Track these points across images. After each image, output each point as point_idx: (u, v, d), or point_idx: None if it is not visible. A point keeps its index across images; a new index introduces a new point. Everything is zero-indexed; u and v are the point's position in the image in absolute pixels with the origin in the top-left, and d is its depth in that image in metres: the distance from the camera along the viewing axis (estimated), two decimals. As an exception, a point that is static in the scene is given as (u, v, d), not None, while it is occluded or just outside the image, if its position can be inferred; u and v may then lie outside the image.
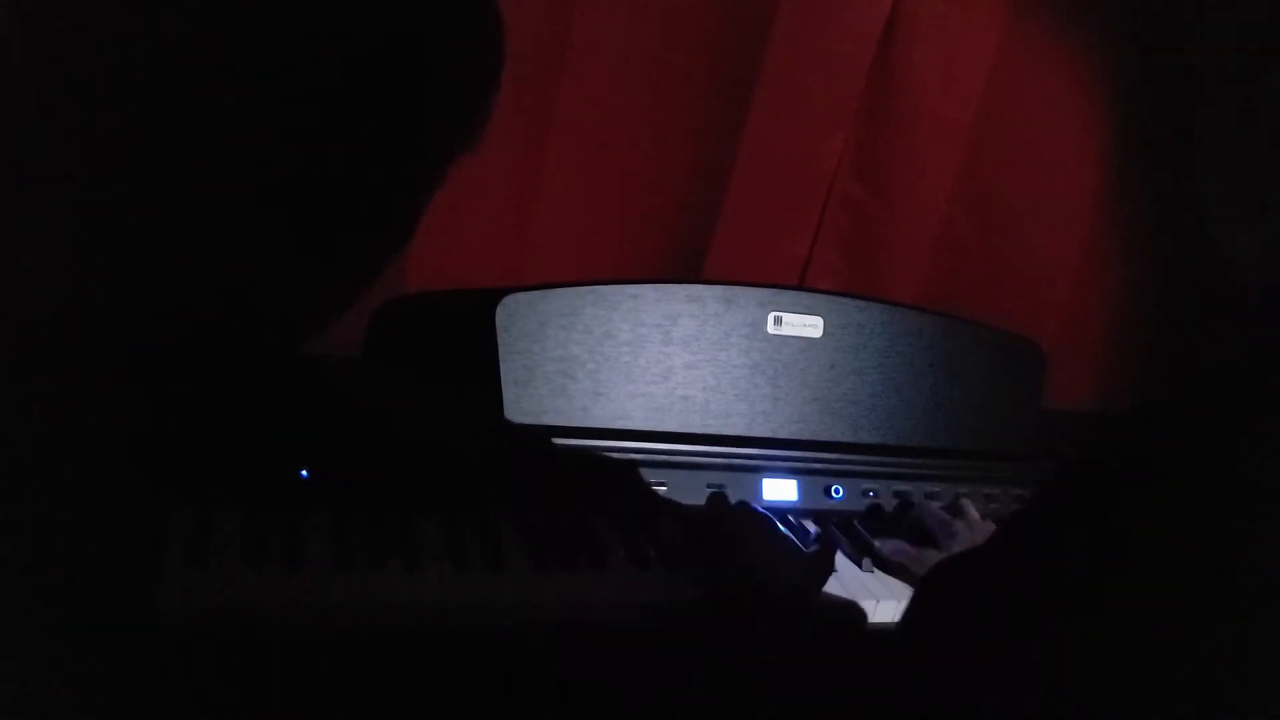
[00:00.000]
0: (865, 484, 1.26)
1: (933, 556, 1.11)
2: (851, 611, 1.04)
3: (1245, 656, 0.55)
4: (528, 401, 1.11)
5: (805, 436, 1.24)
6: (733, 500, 1.12)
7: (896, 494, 1.27)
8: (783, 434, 1.23)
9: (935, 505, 1.22)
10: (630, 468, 1.14)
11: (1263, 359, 0.59)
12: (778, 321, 1.21)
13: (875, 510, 1.24)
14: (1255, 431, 0.56)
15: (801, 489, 1.23)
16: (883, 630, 1.05)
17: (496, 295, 1.11)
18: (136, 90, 0.62)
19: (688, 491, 1.17)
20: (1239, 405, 0.58)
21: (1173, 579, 0.56)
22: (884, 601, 1.05)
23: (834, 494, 1.24)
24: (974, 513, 1.19)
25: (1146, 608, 0.56)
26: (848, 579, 1.09)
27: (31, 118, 0.62)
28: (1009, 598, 0.63)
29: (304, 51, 0.63)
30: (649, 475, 1.15)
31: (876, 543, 1.16)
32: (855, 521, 1.22)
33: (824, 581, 1.01)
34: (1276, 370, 0.58)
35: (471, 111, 0.72)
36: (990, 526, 1.17)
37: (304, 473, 1.00)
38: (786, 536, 1.02)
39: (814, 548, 1.03)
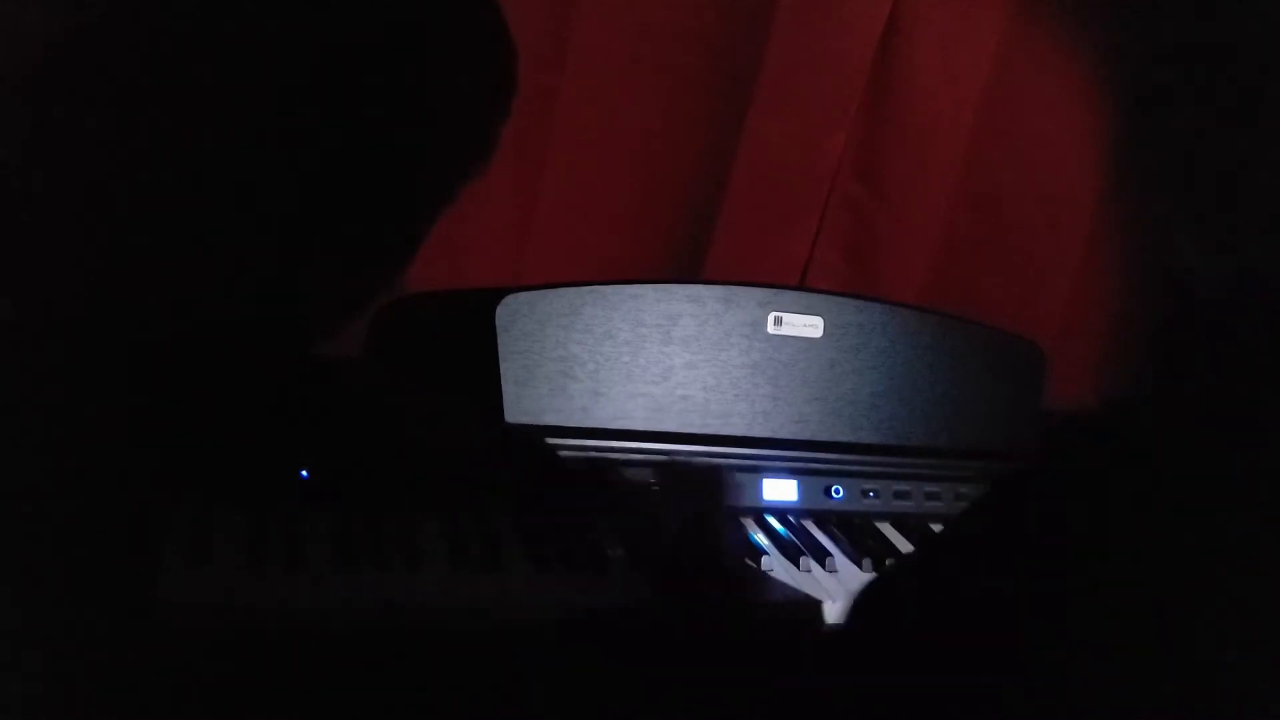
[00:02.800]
0: (865, 484, 1.26)
1: None
2: (807, 607, 1.04)
3: (1235, 657, 0.55)
4: (528, 401, 1.11)
5: (805, 436, 1.24)
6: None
7: (896, 494, 1.27)
8: (783, 434, 1.23)
9: None
10: (630, 468, 1.14)
11: (1221, 369, 0.60)
12: (778, 321, 1.21)
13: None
14: (1206, 439, 0.57)
15: (801, 489, 1.23)
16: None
17: (496, 295, 1.11)
18: (154, 99, 0.62)
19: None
20: (1180, 416, 0.59)
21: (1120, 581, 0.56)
22: None
23: (834, 494, 1.24)
24: None
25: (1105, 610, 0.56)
26: (848, 579, 1.09)
27: (46, 117, 0.62)
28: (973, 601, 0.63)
29: (317, 78, 0.64)
30: (649, 475, 1.15)
31: None
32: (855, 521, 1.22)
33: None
34: (1234, 382, 0.59)
35: (480, 140, 0.73)
36: None
37: (304, 473, 1.00)
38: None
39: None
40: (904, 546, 1.20)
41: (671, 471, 1.14)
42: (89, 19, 0.62)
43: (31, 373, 0.67)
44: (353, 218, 0.70)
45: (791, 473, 1.23)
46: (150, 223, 0.66)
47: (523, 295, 1.11)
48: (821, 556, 1.12)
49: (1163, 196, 0.67)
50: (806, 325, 1.22)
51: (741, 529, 1.17)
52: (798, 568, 1.09)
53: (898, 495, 1.27)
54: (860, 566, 1.12)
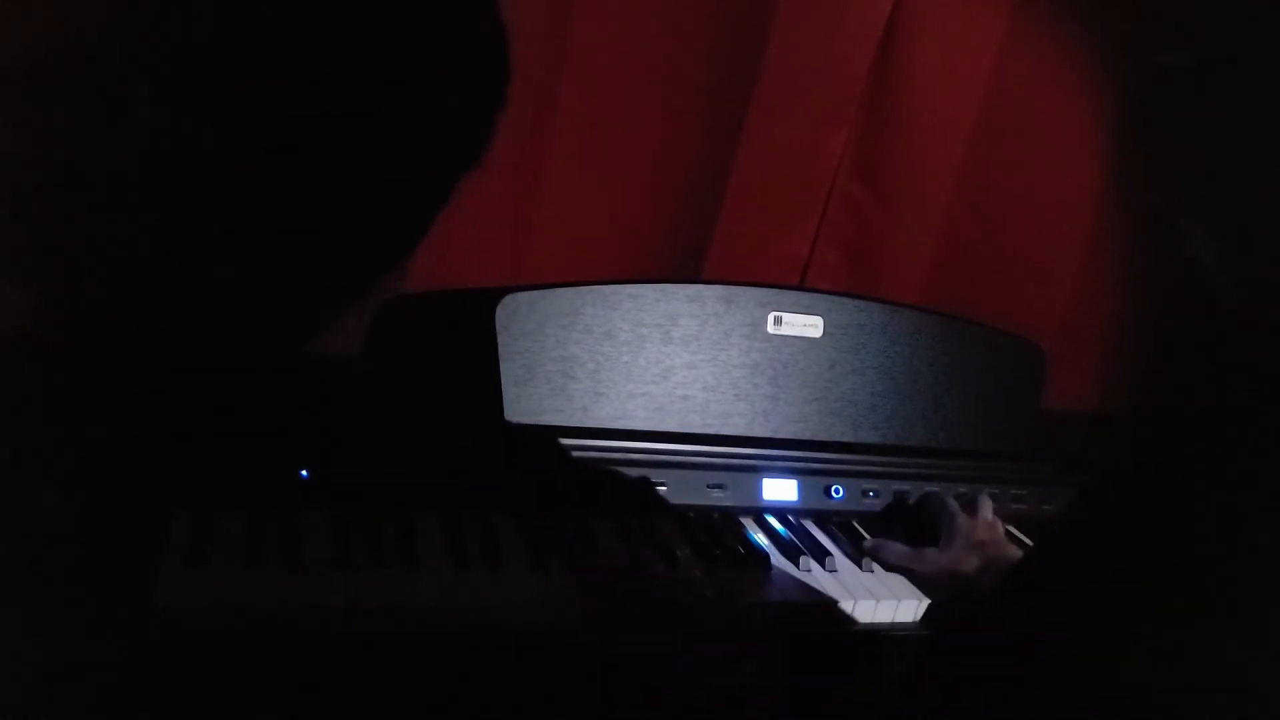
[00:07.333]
0: (865, 484, 1.26)
1: (933, 555, 1.11)
2: (834, 611, 1.04)
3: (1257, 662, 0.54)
4: (528, 401, 1.11)
5: (805, 436, 1.24)
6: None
7: (896, 494, 1.27)
8: (783, 434, 1.23)
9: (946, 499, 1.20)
10: (630, 468, 1.14)
11: (1249, 370, 0.59)
12: (778, 321, 1.21)
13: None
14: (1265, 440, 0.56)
15: (801, 489, 1.23)
16: (885, 631, 1.05)
17: (496, 295, 1.11)
18: (152, 95, 0.62)
19: (688, 491, 1.17)
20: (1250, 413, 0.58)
21: (1210, 583, 0.56)
22: (884, 602, 1.05)
23: (834, 494, 1.24)
24: (988, 513, 1.17)
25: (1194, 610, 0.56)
26: (848, 579, 1.09)
27: (40, 115, 0.62)
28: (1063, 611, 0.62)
29: (308, 69, 0.63)
30: (649, 475, 1.15)
31: (866, 541, 1.17)
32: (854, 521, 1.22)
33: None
34: (1263, 383, 0.58)
35: (477, 130, 0.72)
36: (997, 529, 1.16)
37: (304, 473, 1.00)
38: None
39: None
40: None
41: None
42: (105, 20, 0.62)
43: (28, 374, 0.67)
44: (352, 209, 0.69)
45: (791, 473, 1.23)
46: (148, 219, 0.66)
47: (523, 295, 1.11)
48: (821, 556, 1.12)
49: (1173, 195, 0.66)
50: (806, 325, 1.22)
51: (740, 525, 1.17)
52: (798, 568, 1.09)
53: (898, 495, 1.27)
54: (860, 566, 1.13)
